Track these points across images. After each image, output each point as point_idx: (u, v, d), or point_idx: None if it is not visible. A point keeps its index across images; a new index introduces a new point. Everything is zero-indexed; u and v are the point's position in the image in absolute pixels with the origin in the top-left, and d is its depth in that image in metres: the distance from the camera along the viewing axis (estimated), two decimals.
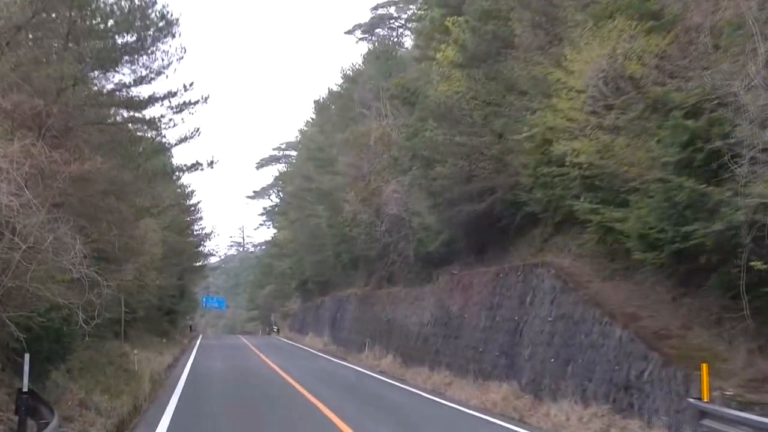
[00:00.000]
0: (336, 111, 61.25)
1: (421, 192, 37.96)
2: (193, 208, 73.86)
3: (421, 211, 39.94)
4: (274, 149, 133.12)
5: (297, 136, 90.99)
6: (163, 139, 28.10)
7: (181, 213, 65.01)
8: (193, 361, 46.13)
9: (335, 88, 62.91)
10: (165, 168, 28.27)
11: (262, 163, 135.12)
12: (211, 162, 26.75)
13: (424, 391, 30.79)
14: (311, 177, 68.68)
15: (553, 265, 26.39)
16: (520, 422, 22.52)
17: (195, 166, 26.61)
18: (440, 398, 28.44)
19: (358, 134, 50.54)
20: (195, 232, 78.63)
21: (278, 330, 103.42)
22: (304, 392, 28.94)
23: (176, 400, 25.89)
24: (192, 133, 28.69)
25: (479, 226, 36.48)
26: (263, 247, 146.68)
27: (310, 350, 60.60)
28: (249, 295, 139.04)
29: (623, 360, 20.18)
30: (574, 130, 20.99)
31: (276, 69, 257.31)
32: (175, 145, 28.75)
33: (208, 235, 79.95)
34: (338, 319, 66.21)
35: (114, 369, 30.04)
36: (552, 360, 24.02)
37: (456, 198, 35.38)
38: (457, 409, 25.26)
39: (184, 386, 30.68)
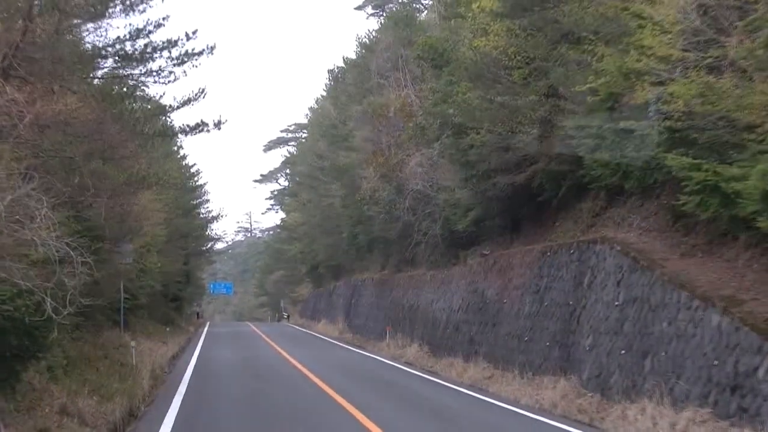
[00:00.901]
0: (351, 81, 57.32)
1: (452, 163, 34.19)
2: (199, 189, 70.38)
3: (450, 185, 36.13)
4: (281, 131, 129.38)
5: (307, 115, 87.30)
6: (162, 99, 24.36)
7: (185, 193, 61.52)
8: (200, 351, 42.47)
9: (351, 57, 58.98)
10: (164, 128, 24.30)
11: (270, 146, 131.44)
12: (219, 122, 22.95)
13: (462, 386, 27.13)
14: (324, 155, 64.92)
15: (617, 241, 22.63)
16: (592, 427, 18.84)
17: (199, 127, 22.83)
18: (484, 395, 24.78)
19: (377, 105, 46.74)
20: (201, 215, 75.13)
21: (288, 316, 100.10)
22: (330, 391, 25.21)
23: (179, 401, 22.22)
24: (197, 94, 24.92)
25: (516, 201, 32.75)
26: (271, 233, 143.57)
27: (325, 338, 56.89)
28: (258, 280, 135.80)
29: (725, 353, 16.37)
30: (662, 73, 17.13)
31: (282, 50, 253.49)
32: (177, 108, 24.96)
33: (215, 218, 76.38)
34: (353, 305, 62.61)
35: (109, 364, 26.37)
36: (623, 352, 20.27)
37: (491, 169, 31.63)
38: (510, 410, 21.58)
39: (189, 382, 27.04)
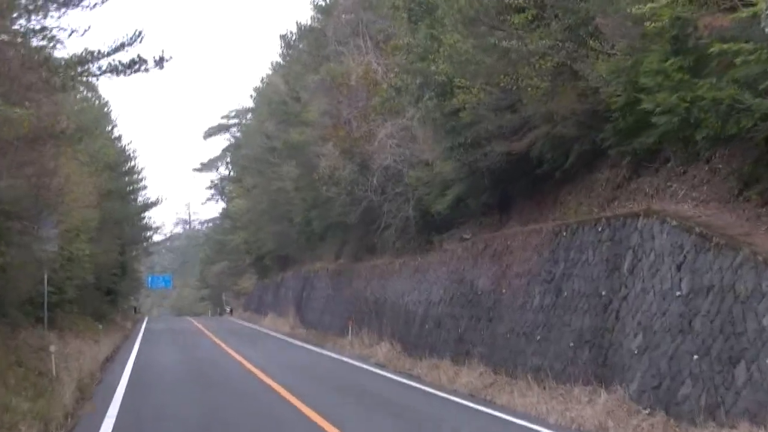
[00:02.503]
0: (306, 49, 52.05)
1: (435, 131, 29.14)
2: (135, 173, 64.91)
3: (428, 158, 31.15)
4: (222, 117, 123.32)
5: (252, 96, 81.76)
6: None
7: (120, 176, 56.13)
8: (138, 352, 37.10)
9: (306, 23, 53.66)
10: (79, 59, 18.81)
11: (210, 132, 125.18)
12: (161, 59, 17.82)
13: (459, 396, 22.23)
14: (273, 135, 59.56)
15: (669, 215, 17.80)
16: None
17: (136, 65, 17.71)
18: (494, 409, 19.86)
19: (336, 73, 41.58)
20: (138, 200, 69.59)
21: (231, 310, 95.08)
22: (303, 407, 20.14)
23: (111, 426, 16.99)
24: (132, 37, 19.67)
25: (509, 175, 28.00)
26: (211, 224, 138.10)
27: (276, 335, 51.62)
28: (198, 273, 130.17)
29: None
30: None
31: (223, 32, 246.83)
32: (108, 54, 19.69)
33: (153, 203, 70.72)
34: (305, 298, 57.53)
35: (23, 373, 21.10)
36: (695, 357, 15.39)
37: (483, 136, 26.77)
38: None
39: (124, 397, 21.70)
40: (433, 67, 27.50)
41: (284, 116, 55.77)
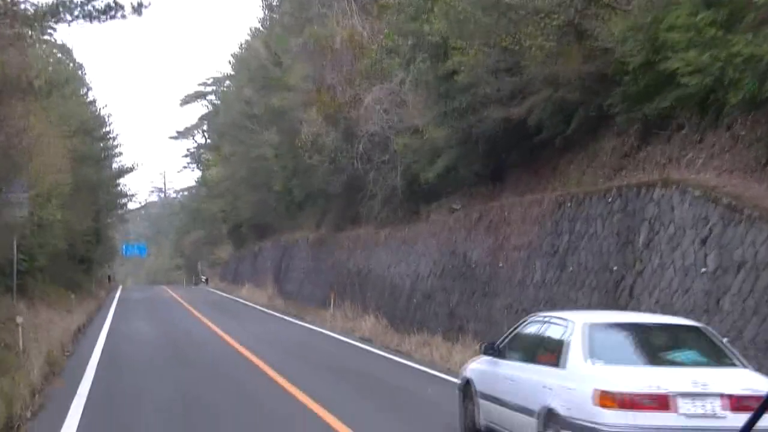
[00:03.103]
0: (289, 10, 50.30)
1: (428, 94, 27.65)
2: (110, 138, 63.15)
3: (418, 123, 29.67)
4: (199, 84, 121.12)
5: (231, 62, 79.68)
6: None
7: (95, 141, 54.36)
8: (112, 323, 35.50)
9: None
10: (50, 8, 17.18)
11: (187, 100, 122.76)
12: (140, 5, 16.24)
13: (453, 375, 20.72)
14: (253, 101, 57.85)
15: (690, 184, 16.43)
16: None
17: (112, 10, 16.16)
18: None
19: (320, 36, 39.95)
20: (112, 166, 67.76)
21: (207, 280, 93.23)
22: (282, 382, 18.84)
23: (80, 409, 15.49)
24: None
25: (505, 142, 26.67)
26: (186, 193, 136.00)
27: (254, 306, 50.07)
28: (173, 242, 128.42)
29: None
30: None
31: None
32: (82, 4, 18.06)
33: (128, 169, 68.85)
34: (284, 268, 56.06)
35: None
36: (724, 339, 14.01)
37: (479, 100, 25.35)
38: None
39: (96, 373, 20.19)
40: (426, 27, 26.07)
41: (264, 81, 54.09)
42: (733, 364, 10.84)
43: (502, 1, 21.15)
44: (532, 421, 11.10)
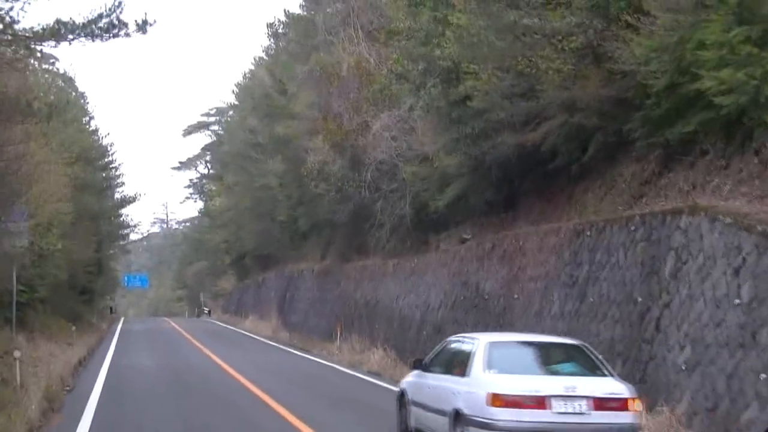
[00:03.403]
0: (294, 38, 49.58)
1: (439, 120, 26.92)
2: (112, 168, 62.48)
3: (428, 150, 28.94)
4: (202, 115, 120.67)
5: (234, 91, 79.17)
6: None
7: (97, 170, 53.68)
8: (113, 356, 34.67)
9: (294, 11, 51.02)
10: (51, 30, 16.32)
11: (190, 130, 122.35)
12: (144, 23, 15.54)
13: None
14: (257, 130, 57.18)
15: (720, 211, 15.65)
16: None
17: (114, 29, 15.43)
18: None
19: (326, 63, 39.31)
20: (115, 196, 67.01)
21: (210, 312, 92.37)
22: (291, 419, 17.99)
23: None
24: (110, 9, 17.30)
25: (518, 169, 25.94)
26: (188, 224, 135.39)
27: (258, 338, 49.24)
28: (175, 273, 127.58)
29: None
30: None
31: (201, 29, 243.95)
32: (80, 29, 17.34)
33: (131, 199, 68.02)
34: (289, 299, 55.26)
35: None
36: (762, 376, 13.24)
37: (492, 126, 24.63)
38: None
39: (97, 408, 19.36)
40: (437, 52, 25.35)
41: (269, 110, 53.44)
42: (603, 374, 13.79)
43: (518, 24, 20.40)
44: (446, 421, 13.91)
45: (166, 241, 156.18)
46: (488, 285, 24.75)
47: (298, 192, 45.95)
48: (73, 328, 39.59)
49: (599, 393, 13.21)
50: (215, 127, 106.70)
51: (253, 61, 72.29)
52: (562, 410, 13.02)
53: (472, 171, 27.28)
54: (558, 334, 19.85)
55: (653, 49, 17.24)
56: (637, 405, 13.43)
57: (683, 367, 15.13)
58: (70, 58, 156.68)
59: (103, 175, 60.09)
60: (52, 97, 30.00)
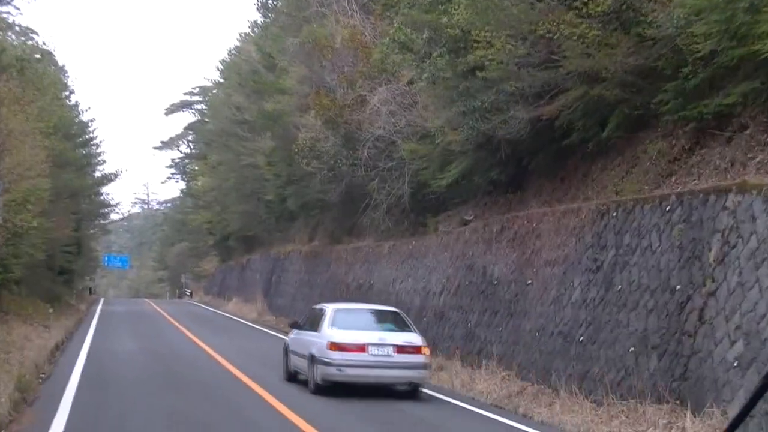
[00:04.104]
0: (285, 9, 47.64)
1: (446, 93, 25.10)
2: (93, 144, 60.53)
3: (430, 126, 27.18)
4: (185, 94, 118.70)
5: (219, 68, 77.15)
6: None
7: (77, 146, 51.73)
8: (93, 340, 32.81)
9: None
10: None
11: (172, 109, 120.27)
12: None
13: (480, 407, 18.41)
14: (244, 107, 55.23)
15: None
16: None
17: None
18: (535, 428, 15.92)
19: (318, 36, 37.44)
20: (95, 173, 65.06)
21: (191, 293, 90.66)
22: (292, 416, 16.22)
23: None
24: None
25: (529, 146, 24.20)
26: (170, 205, 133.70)
27: (244, 321, 47.52)
28: (157, 253, 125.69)
29: None
30: None
31: (185, 7, 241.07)
32: None
33: (112, 176, 66.02)
34: (275, 282, 53.49)
35: None
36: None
37: (503, 99, 22.93)
38: None
39: (74, 400, 17.53)
40: (444, 19, 23.56)
41: (257, 86, 51.49)
42: (408, 330, 20.12)
43: None
44: (306, 362, 20.08)
45: (147, 222, 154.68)
46: (497, 269, 23.06)
47: (288, 171, 44.12)
48: (51, 310, 37.73)
49: (401, 342, 19.53)
50: (199, 106, 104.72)
51: (239, 38, 70.52)
52: (376, 353, 19.26)
53: (477, 148, 25.60)
54: (580, 324, 18.23)
55: (698, 10, 15.52)
56: (425, 351, 19.83)
57: (735, 364, 13.45)
58: (50, 33, 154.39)
59: (83, 151, 58.20)
60: (20, 52, 28.00)
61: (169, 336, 36.67)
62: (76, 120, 55.27)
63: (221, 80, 77.12)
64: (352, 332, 19.60)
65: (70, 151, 47.21)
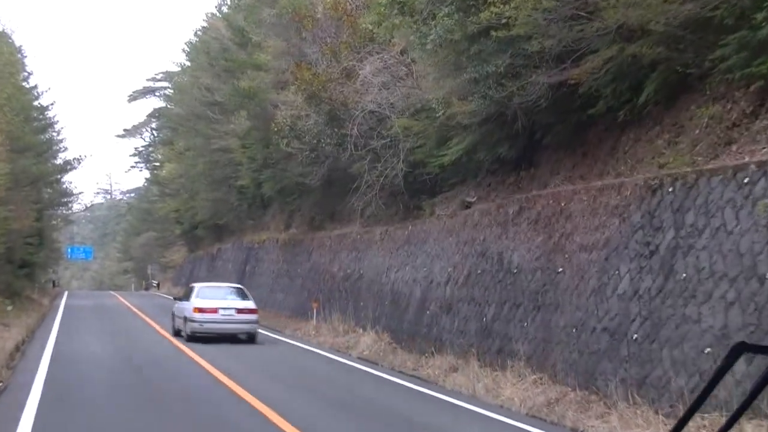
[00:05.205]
0: None
1: (455, 58, 22.16)
2: (53, 130, 57.31)
3: (436, 98, 24.30)
4: (149, 80, 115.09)
5: (185, 50, 73.90)
6: None
7: (37, 132, 48.54)
8: (56, 339, 29.81)
9: None
10: None
11: (135, 96, 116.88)
12: None
13: (513, 417, 15.73)
14: (214, 87, 52.07)
15: None
16: None
17: None
18: None
19: (298, 5, 34.50)
20: (56, 160, 61.76)
21: (158, 284, 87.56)
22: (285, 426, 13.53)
23: None
24: None
25: (547, 116, 21.45)
26: (134, 195, 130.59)
27: None
28: (121, 245, 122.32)
29: None
30: None
31: None
32: None
33: (74, 161, 62.70)
34: (249, 272, 50.63)
35: None
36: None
37: (520, 64, 20.23)
38: None
39: (36, 418, 14.58)
40: None
41: (228, 65, 48.40)
42: (247, 299, 30.45)
43: None
44: (182, 321, 29.64)
45: (111, 212, 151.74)
46: (517, 256, 20.29)
47: (264, 153, 41.22)
48: (9, 307, 34.66)
49: (241, 306, 29.73)
50: (163, 92, 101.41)
51: (206, 18, 67.35)
52: (224, 313, 29.11)
53: (483, 122, 22.83)
54: (632, 320, 15.47)
55: None
56: (256, 312, 29.96)
57: None
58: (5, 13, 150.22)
59: (43, 137, 54.92)
60: None
61: (140, 334, 33.72)
62: (36, 104, 52.10)
63: (188, 63, 73.87)
64: (209, 300, 29.66)
65: (29, 135, 44.06)
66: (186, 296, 30.87)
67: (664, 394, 14.00)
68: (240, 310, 29.32)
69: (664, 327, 14.57)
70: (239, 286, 33.56)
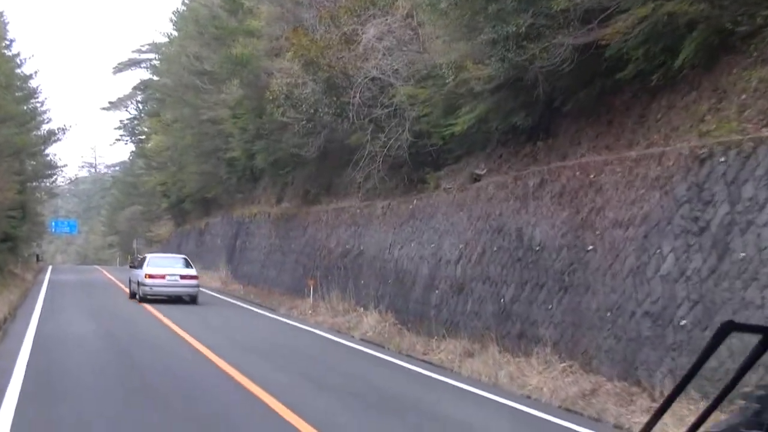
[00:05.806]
0: None
1: (468, 19, 20.53)
2: (36, 97, 55.45)
3: (446, 62, 22.67)
4: (134, 51, 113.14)
5: (172, 19, 71.80)
6: None
7: (20, 102, 46.74)
8: (40, 318, 28.20)
9: None
10: None
11: (120, 68, 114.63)
12: None
13: (545, 410, 14.19)
14: (203, 56, 50.20)
15: None
16: None
17: None
18: None
19: None
20: (39, 130, 59.93)
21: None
22: (293, 419, 12.03)
23: None
24: None
25: (572, 81, 19.92)
26: (118, 168, 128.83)
27: (208, 291, 42.69)
28: (106, 219, 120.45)
29: None
30: None
31: None
32: None
33: (59, 131, 60.88)
34: (239, 247, 49.08)
35: None
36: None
37: (542, 24, 18.69)
38: None
39: (17, 409, 13.00)
40: None
41: (218, 32, 46.60)
42: (190, 267, 36.87)
43: None
44: (137, 285, 36.41)
45: (95, 185, 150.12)
46: (539, 232, 18.75)
47: (257, 123, 39.51)
48: None
49: (184, 273, 35.74)
50: (150, 63, 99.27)
51: None
52: (170, 279, 35.08)
53: (497, 89, 21.26)
54: (678, 304, 13.93)
55: None
56: (197, 278, 36.19)
57: None
58: None
59: (26, 107, 53.07)
60: None
61: (128, 311, 32.13)
62: (18, 71, 50.28)
63: (175, 33, 71.84)
64: (158, 268, 35.53)
65: (11, 104, 42.26)
66: (139, 265, 37.21)
67: (721, 386, 12.46)
68: (183, 276, 35.55)
69: (719, 312, 13.04)
70: (184, 256, 39.89)
